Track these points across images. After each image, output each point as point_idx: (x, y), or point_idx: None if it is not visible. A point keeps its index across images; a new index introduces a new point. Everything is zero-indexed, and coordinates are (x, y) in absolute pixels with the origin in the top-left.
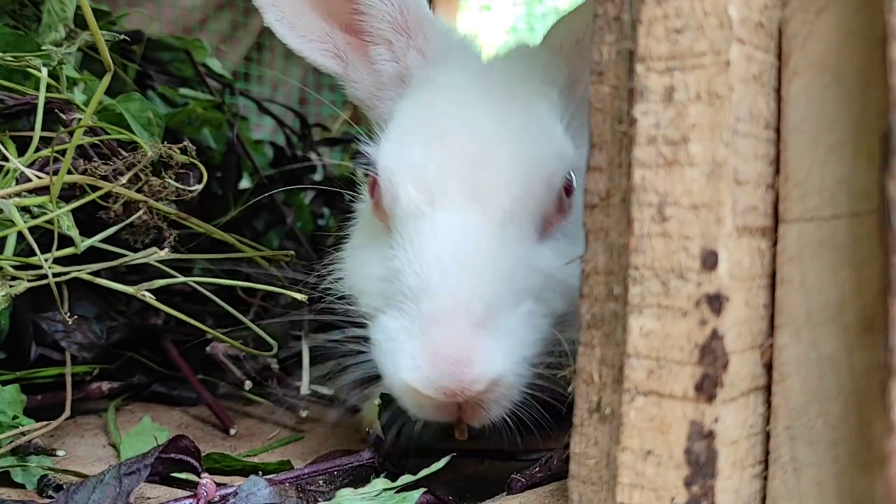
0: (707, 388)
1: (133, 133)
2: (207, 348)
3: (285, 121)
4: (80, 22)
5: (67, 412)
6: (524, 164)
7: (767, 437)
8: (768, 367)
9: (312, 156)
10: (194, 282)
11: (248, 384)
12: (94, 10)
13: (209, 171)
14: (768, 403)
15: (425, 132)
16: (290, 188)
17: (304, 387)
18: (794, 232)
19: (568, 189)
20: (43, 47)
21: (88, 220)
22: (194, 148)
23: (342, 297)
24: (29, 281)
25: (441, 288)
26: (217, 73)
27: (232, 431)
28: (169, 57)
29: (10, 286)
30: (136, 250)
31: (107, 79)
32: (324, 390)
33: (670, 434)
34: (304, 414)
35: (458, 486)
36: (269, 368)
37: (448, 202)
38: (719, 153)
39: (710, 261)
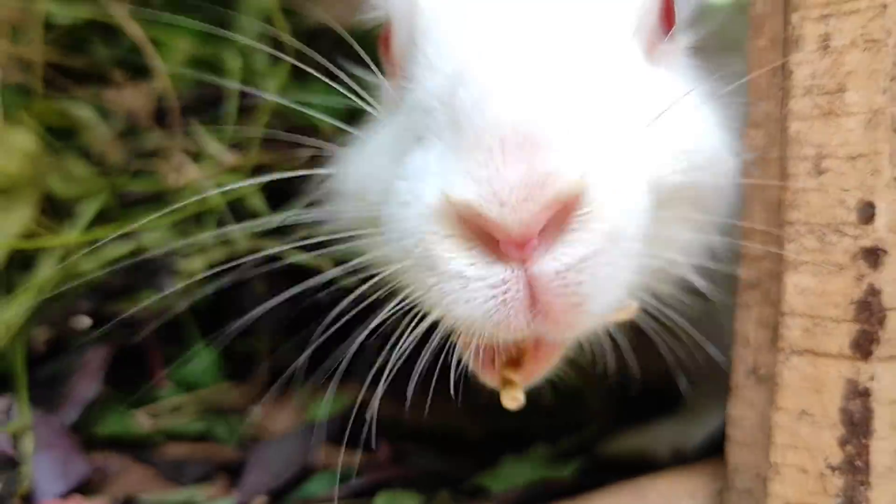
0: (863, 345)
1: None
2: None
3: None
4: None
5: (263, 380)
6: None
7: None
8: None
9: None
10: None
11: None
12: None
13: None
14: None
15: None
16: None
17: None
18: None
19: (669, 9)
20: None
21: (278, 205)
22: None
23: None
24: (224, 252)
25: (486, 68)
26: None
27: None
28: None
29: (208, 256)
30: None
31: (288, 64)
32: None
33: (825, 393)
34: None
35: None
36: None
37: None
38: (876, 101)
39: (867, 213)
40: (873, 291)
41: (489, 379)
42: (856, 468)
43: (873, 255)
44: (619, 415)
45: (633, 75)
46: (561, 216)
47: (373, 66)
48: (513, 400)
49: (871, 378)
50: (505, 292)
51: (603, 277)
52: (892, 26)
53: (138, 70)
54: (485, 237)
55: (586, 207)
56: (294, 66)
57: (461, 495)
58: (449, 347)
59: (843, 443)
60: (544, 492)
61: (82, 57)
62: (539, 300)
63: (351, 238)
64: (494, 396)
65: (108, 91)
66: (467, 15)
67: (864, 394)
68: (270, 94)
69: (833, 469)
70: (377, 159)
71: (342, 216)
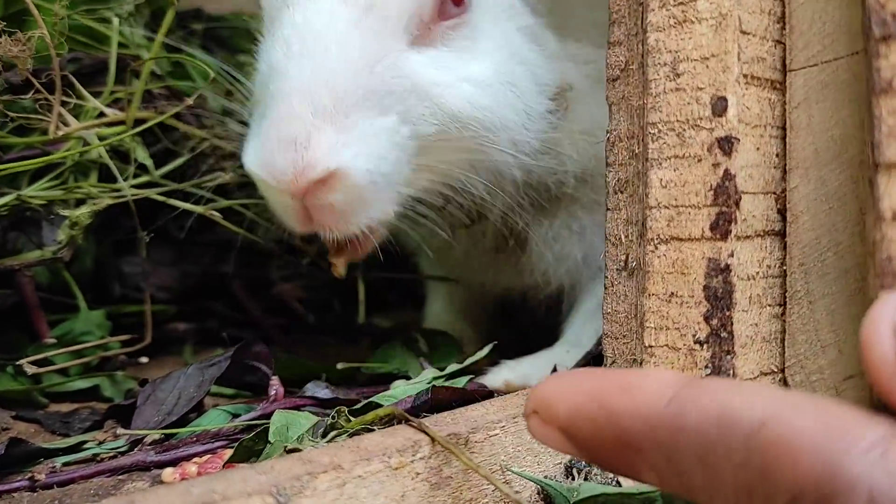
0: (721, 226)
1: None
2: (273, 290)
3: None
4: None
5: (148, 338)
6: None
7: (786, 279)
8: (783, 213)
9: None
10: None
11: (310, 318)
12: None
13: None
14: (785, 247)
15: None
16: None
17: (361, 316)
18: (801, 79)
19: None
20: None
21: (161, 162)
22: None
23: None
24: (110, 199)
25: (285, 69)
26: None
27: None
28: (228, 34)
29: (94, 203)
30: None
31: (171, 13)
32: (383, 322)
33: (690, 275)
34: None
35: None
36: (330, 304)
37: None
38: (724, 5)
39: (719, 107)
40: (728, 176)
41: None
42: (721, 339)
43: (727, 144)
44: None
45: (394, 67)
46: (321, 182)
47: None
48: (337, 273)
49: (731, 255)
50: (297, 212)
51: (351, 209)
52: None
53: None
54: None
55: (339, 182)
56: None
57: (355, 413)
58: None
59: (707, 318)
60: (434, 403)
61: None
62: (313, 217)
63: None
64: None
65: None
66: (279, 18)
67: (725, 270)
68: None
69: (701, 343)
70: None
71: None
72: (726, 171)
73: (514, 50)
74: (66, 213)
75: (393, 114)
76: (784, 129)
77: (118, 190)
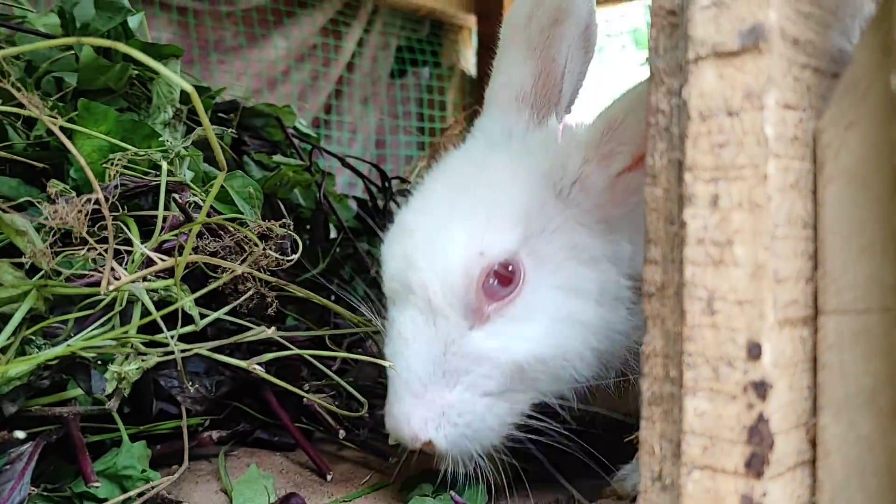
0: (755, 466)
1: (236, 206)
2: (304, 400)
3: (365, 172)
4: (184, 99)
5: (186, 464)
6: (441, 264)
7: None
8: (813, 443)
9: (393, 207)
10: (298, 353)
11: (341, 433)
12: (195, 86)
13: (300, 226)
14: (815, 475)
15: (400, 228)
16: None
17: (391, 438)
18: (832, 323)
19: (503, 276)
20: (161, 139)
21: (199, 288)
22: (291, 224)
23: None
24: (158, 357)
25: (397, 363)
26: (304, 133)
27: (328, 477)
28: (261, 122)
29: (143, 360)
30: (242, 316)
31: (221, 176)
32: None
33: None
34: (392, 461)
35: None
36: (360, 418)
37: (399, 298)
38: (760, 256)
39: (754, 351)
40: (762, 419)
41: None
42: None
43: (762, 388)
44: None
45: (460, 349)
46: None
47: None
48: None
49: (764, 494)
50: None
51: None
52: (772, 193)
53: (55, 156)
54: None
55: (433, 447)
56: (206, 150)
57: None
58: None
59: None
60: None
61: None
62: None
63: None
64: None
65: (46, 206)
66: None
67: None
68: (187, 176)
69: None
70: None
71: None
72: (760, 414)
73: (577, 287)
74: (115, 369)
75: (461, 384)
76: (815, 360)
77: (165, 344)
